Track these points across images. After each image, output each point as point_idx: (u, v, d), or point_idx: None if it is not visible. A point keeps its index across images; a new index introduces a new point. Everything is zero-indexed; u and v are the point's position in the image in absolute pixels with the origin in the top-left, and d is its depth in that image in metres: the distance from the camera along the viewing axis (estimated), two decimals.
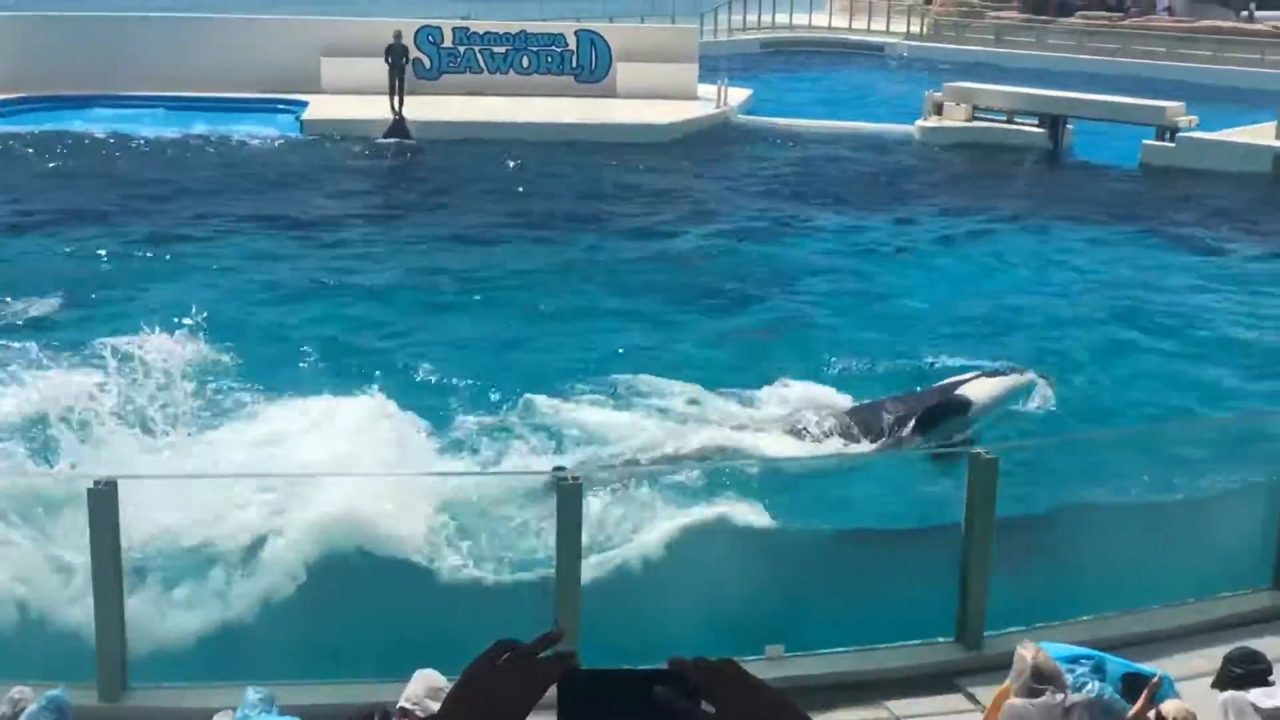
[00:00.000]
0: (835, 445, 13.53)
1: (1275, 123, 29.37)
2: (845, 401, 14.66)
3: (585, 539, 9.46)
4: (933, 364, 16.11)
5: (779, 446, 13.38)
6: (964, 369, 15.35)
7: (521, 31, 35.31)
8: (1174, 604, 10.23)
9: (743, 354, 16.86)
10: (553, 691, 2.08)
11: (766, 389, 15.10)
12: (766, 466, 12.84)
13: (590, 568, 9.75)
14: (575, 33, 35.32)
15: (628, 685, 2.09)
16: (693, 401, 14.76)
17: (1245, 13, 58.07)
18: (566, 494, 9.07)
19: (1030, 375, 15.17)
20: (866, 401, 14.69)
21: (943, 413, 14.29)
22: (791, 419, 14.14)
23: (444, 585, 10.48)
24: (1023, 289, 20.40)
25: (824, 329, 18.05)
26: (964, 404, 14.38)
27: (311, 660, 9.40)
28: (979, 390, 14.60)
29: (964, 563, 9.64)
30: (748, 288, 20.00)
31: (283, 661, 9.41)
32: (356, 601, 10.38)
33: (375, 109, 30.79)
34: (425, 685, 6.63)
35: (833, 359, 16.23)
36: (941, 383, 15.06)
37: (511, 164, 28.02)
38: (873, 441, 13.79)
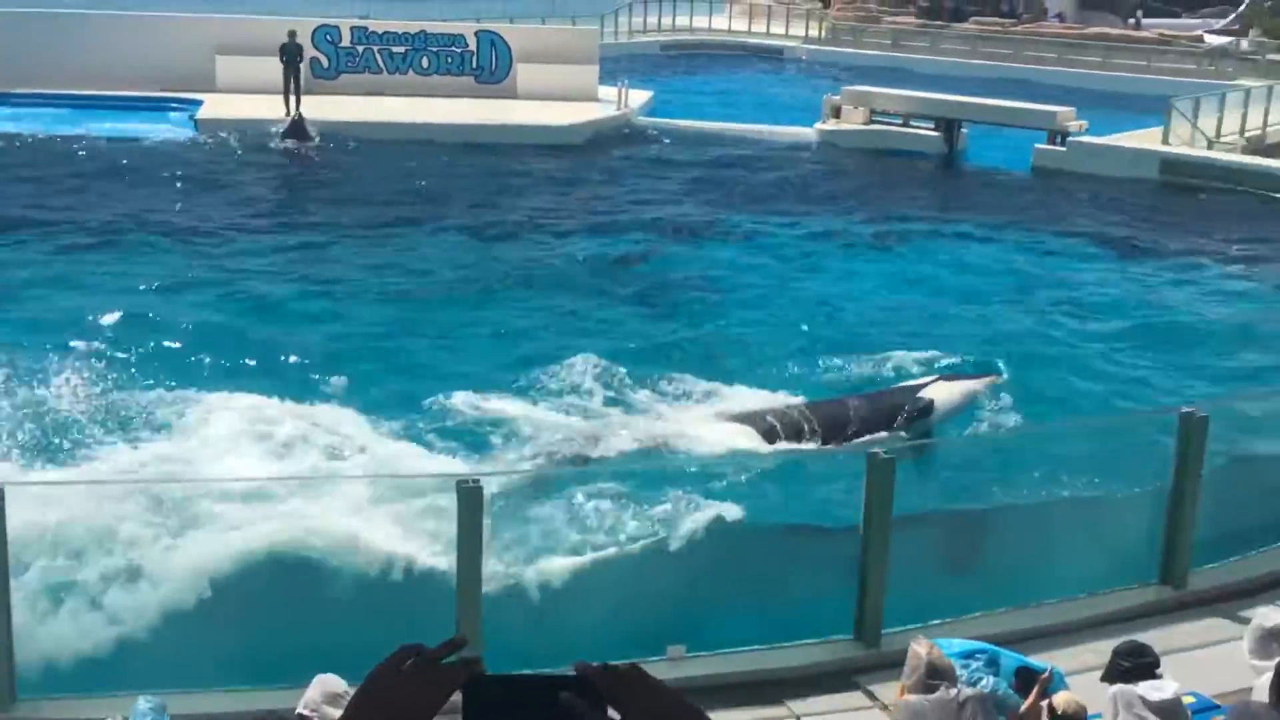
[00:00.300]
0: (788, 444, 13.60)
1: (1161, 128, 30.10)
2: (755, 401, 14.75)
3: (492, 543, 9.42)
4: (841, 365, 16.27)
5: (700, 445, 13.45)
6: (874, 366, 15.60)
7: (421, 31, 35.06)
8: (1065, 599, 10.42)
9: (647, 353, 16.84)
10: (457, 697, 2.06)
11: (677, 387, 15.13)
12: (673, 465, 12.87)
13: (493, 570, 9.70)
14: (475, 33, 35.17)
15: (533, 691, 2.08)
16: (609, 400, 14.76)
17: (1132, 20, 59.49)
18: (467, 497, 9.00)
19: (991, 378, 15.47)
20: (826, 399, 14.91)
21: (905, 415, 14.46)
22: (754, 414, 14.27)
23: (347, 590, 10.37)
24: (920, 288, 20.69)
25: (728, 328, 18.17)
26: (926, 407, 14.57)
27: (208, 668, 9.25)
28: (941, 393, 14.82)
29: (862, 561, 9.74)
30: (650, 287, 20.06)
31: (177, 670, 9.25)
32: (257, 608, 10.23)
33: (272, 109, 30.39)
34: (323, 690, 6.55)
35: (734, 358, 16.33)
36: (904, 384, 15.28)
37: (411, 165, 27.81)
38: (835, 439, 13.89)
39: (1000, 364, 16.12)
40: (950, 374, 15.50)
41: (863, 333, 17.90)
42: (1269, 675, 6.19)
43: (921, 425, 14.51)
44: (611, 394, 15.01)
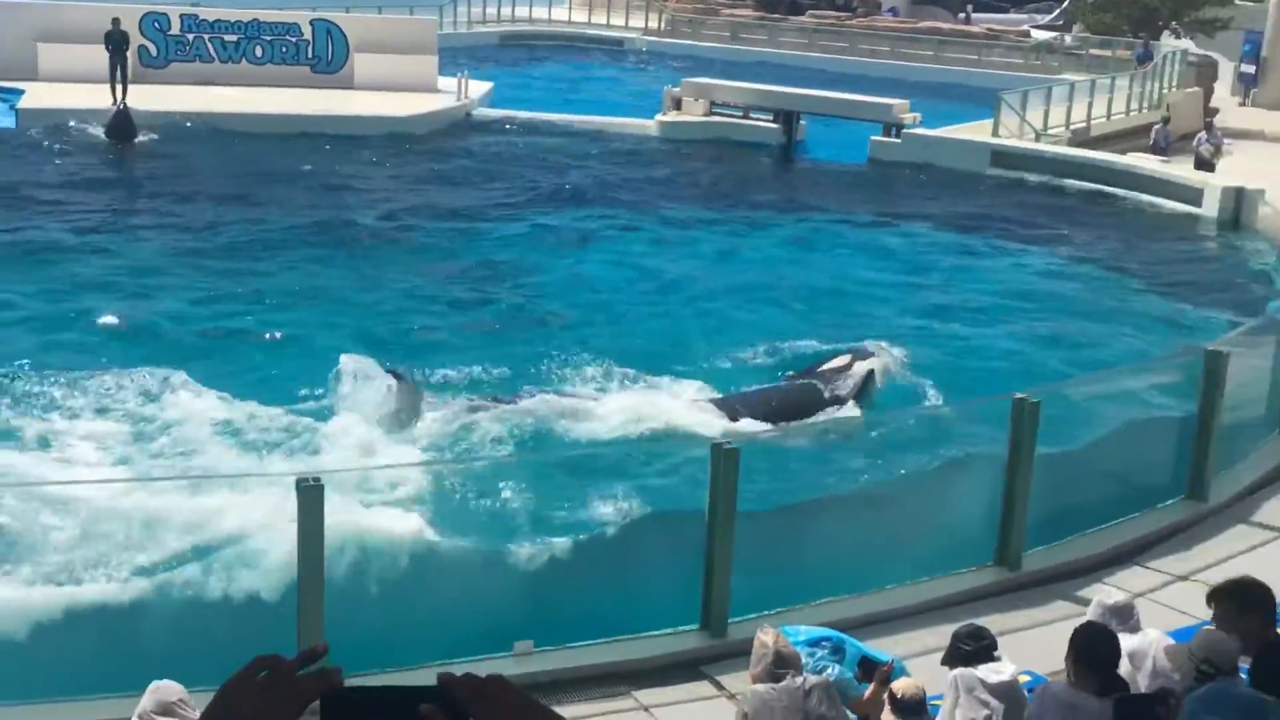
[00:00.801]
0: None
1: (992, 120, 30.90)
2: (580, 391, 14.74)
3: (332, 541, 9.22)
4: (684, 354, 16.33)
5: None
6: (725, 355, 15.75)
7: (254, 20, 34.29)
8: (906, 584, 10.62)
9: (484, 345, 16.69)
10: (316, 708, 2.00)
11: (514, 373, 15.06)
12: (524, 460, 12.78)
13: (336, 570, 9.51)
14: (311, 22, 34.51)
15: (392, 702, 2.03)
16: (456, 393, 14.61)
17: (962, 15, 60.97)
18: (307, 497, 8.81)
19: (892, 352, 16.13)
20: (753, 388, 15.29)
21: (849, 390, 15.08)
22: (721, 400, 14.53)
23: (186, 596, 10.05)
24: (761, 277, 20.88)
25: (566, 320, 18.13)
26: (868, 377, 15.32)
27: (40, 679, 8.91)
28: (860, 369, 15.42)
29: (708, 551, 9.79)
30: (490, 280, 19.91)
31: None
32: (93, 615, 9.86)
33: (98, 98, 29.41)
34: (156, 699, 6.33)
35: (576, 352, 16.29)
36: (819, 367, 15.77)
37: (243, 157, 27.18)
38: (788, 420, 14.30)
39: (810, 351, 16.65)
40: (856, 350, 16.06)
41: (705, 322, 18.01)
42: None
43: (866, 398, 15.17)
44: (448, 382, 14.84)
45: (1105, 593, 7.39)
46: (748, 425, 13.71)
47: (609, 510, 11.75)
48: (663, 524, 11.24)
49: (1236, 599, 5.64)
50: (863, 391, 15.17)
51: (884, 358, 15.75)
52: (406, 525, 10.51)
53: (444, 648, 9.38)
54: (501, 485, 11.79)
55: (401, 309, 18.31)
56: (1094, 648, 5.85)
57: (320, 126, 29.97)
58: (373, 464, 12.32)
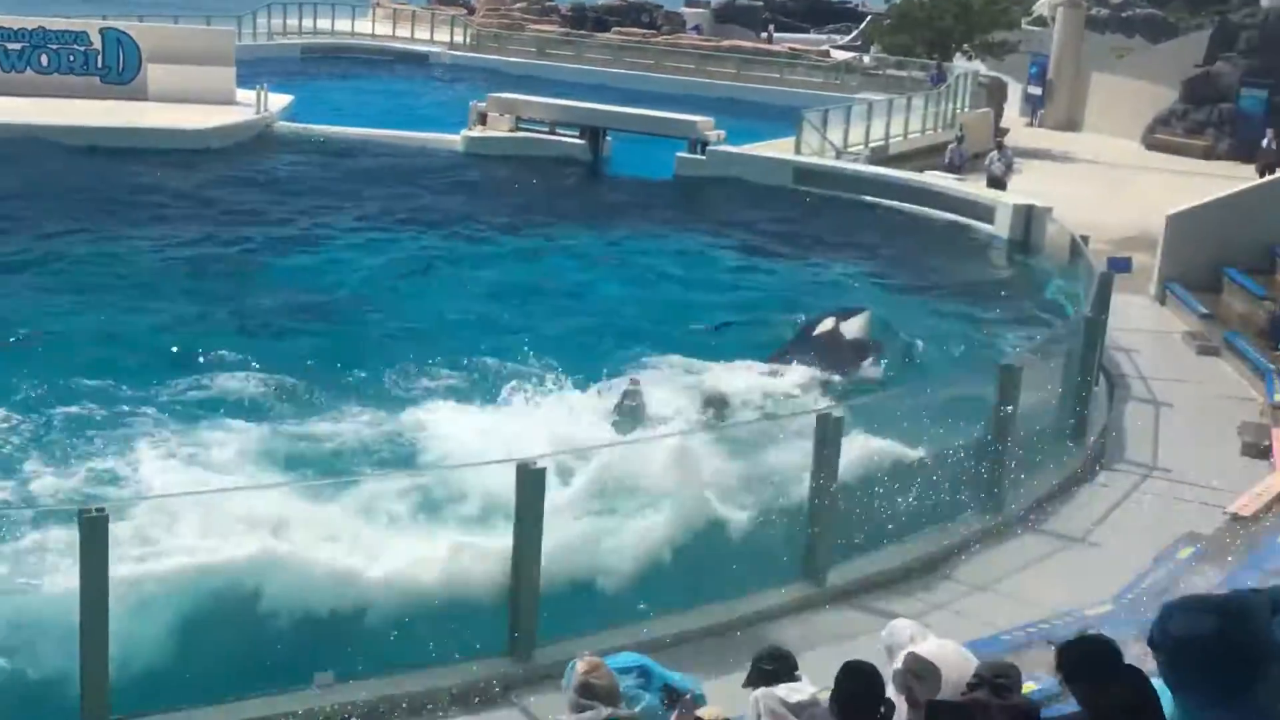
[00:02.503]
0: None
1: (794, 138, 31.43)
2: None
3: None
4: (486, 368, 16.11)
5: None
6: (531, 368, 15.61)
7: (40, 28, 32.98)
8: (712, 603, 10.60)
9: (276, 361, 16.20)
10: None
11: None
12: (317, 486, 12.36)
13: (118, 606, 9.03)
14: (100, 31, 33.31)
15: None
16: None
17: (765, 35, 62.14)
18: (91, 528, 8.36)
19: (867, 311, 17.79)
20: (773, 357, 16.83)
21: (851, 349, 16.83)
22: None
23: None
24: (569, 291, 20.82)
25: (371, 332, 17.77)
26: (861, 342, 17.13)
27: None
28: (855, 327, 17.25)
29: (514, 574, 9.61)
30: (291, 297, 19.41)
31: None
32: None
33: None
34: None
35: (378, 364, 16.00)
36: (812, 330, 17.33)
37: (26, 169, 25.98)
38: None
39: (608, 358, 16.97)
40: (841, 313, 17.66)
41: (510, 336, 17.82)
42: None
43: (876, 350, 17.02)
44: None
45: (888, 628, 7.40)
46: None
47: (417, 535, 11.44)
48: (471, 548, 10.99)
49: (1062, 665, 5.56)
50: (869, 345, 16.96)
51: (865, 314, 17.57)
52: (196, 557, 10.04)
53: (234, 683, 9.03)
54: (304, 512, 11.39)
55: (179, 328, 17.61)
56: (854, 696, 5.88)
57: (108, 139, 28.88)
58: (156, 494, 11.76)
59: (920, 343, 18.01)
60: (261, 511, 10.43)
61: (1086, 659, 5.42)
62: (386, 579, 9.96)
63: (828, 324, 17.42)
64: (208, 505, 10.52)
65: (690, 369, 16.54)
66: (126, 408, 14.21)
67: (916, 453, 12.52)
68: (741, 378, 16.11)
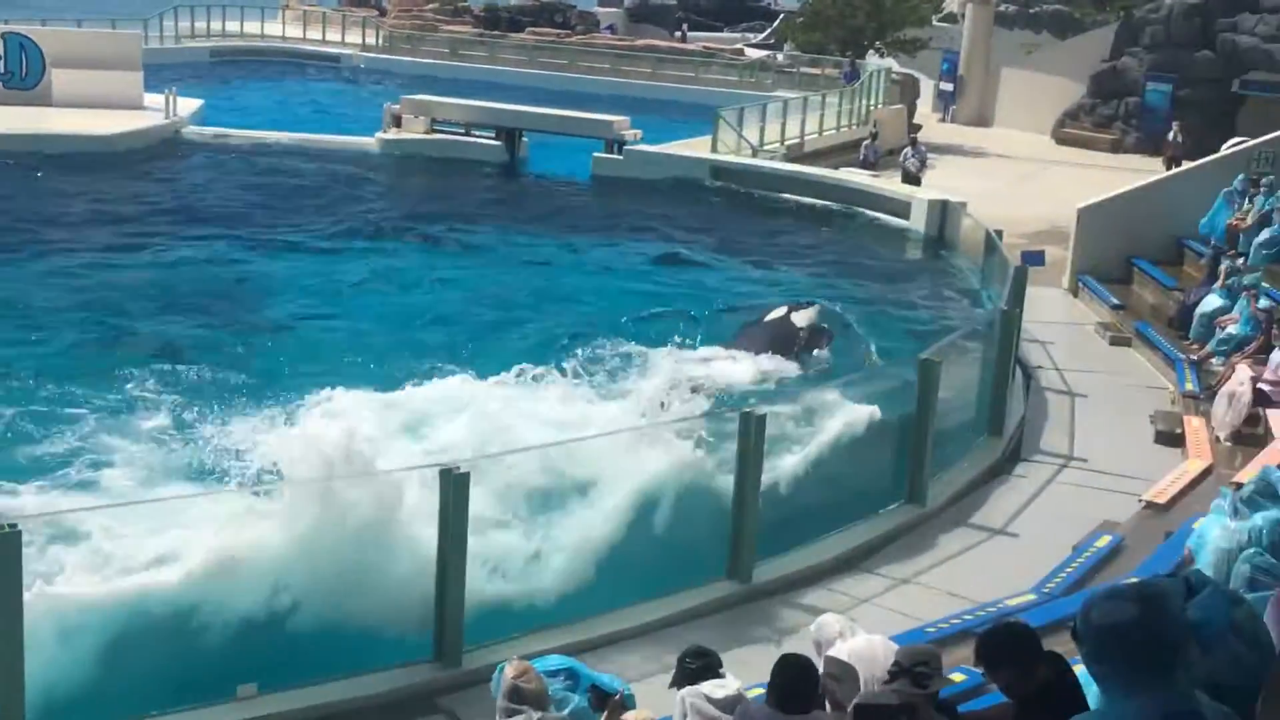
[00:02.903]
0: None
1: (711, 136, 31.53)
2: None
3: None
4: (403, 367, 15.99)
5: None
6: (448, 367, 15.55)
7: None
8: (639, 603, 10.58)
9: (182, 367, 15.96)
10: None
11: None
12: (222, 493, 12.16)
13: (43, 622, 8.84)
14: (2, 35, 32.59)
15: None
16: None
17: (679, 34, 62.29)
18: (3, 546, 8.16)
19: (818, 306, 18.23)
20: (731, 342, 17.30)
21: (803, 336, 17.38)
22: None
23: None
24: (485, 293, 20.69)
25: (295, 335, 17.56)
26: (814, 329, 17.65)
27: None
28: (807, 316, 17.73)
29: (439, 577, 9.52)
30: (207, 301, 19.14)
31: None
32: None
33: None
34: None
35: (298, 363, 15.85)
36: (764, 318, 17.83)
37: None
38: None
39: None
40: (792, 303, 18.21)
41: (430, 337, 17.72)
42: None
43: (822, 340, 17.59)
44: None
45: (816, 624, 7.47)
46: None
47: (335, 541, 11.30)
48: (394, 553, 10.88)
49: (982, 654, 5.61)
50: (817, 334, 17.57)
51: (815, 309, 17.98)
52: (109, 566, 9.84)
53: (156, 699, 8.87)
54: (222, 521, 11.21)
55: (83, 339, 17.28)
56: (791, 683, 5.93)
57: (11, 146, 28.30)
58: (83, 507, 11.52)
59: (863, 333, 18.66)
60: (185, 521, 10.27)
61: (1005, 646, 5.48)
62: (311, 587, 9.82)
63: (779, 312, 17.91)
64: (120, 518, 10.32)
65: (643, 355, 16.68)
66: (27, 422, 13.89)
67: (839, 447, 12.61)
68: (697, 366, 16.30)
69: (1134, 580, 7.35)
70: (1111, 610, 3.82)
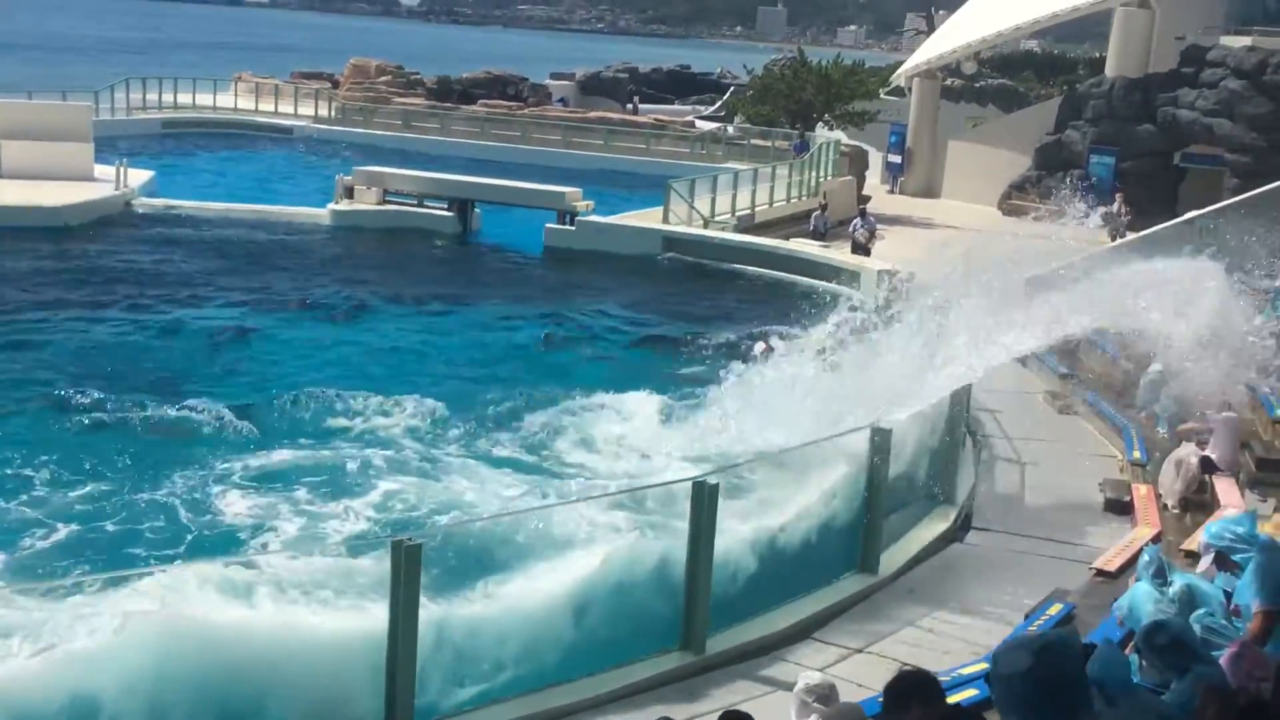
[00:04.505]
0: None
1: (662, 207, 31.76)
2: None
3: None
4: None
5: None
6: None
7: None
8: (594, 674, 10.50)
9: (132, 439, 15.85)
10: None
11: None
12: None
13: None
14: None
15: None
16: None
17: (630, 106, 62.89)
18: None
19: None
20: None
21: None
22: None
23: None
24: (438, 365, 20.66)
25: (246, 409, 17.42)
26: None
27: None
28: None
29: (390, 650, 9.41)
30: (162, 376, 19.00)
31: None
32: None
33: None
34: None
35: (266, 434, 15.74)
36: None
37: None
38: None
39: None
40: None
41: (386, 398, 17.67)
42: None
43: None
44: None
45: (804, 676, 7.54)
46: None
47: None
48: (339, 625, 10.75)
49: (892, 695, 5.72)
50: None
51: None
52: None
53: None
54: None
55: (30, 415, 17.14)
56: None
57: None
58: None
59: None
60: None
61: (913, 686, 5.60)
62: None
63: None
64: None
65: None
66: None
67: (792, 516, 12.62)
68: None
69: (1033, 631, 7.45)
70: (1010, 660, 4.04)
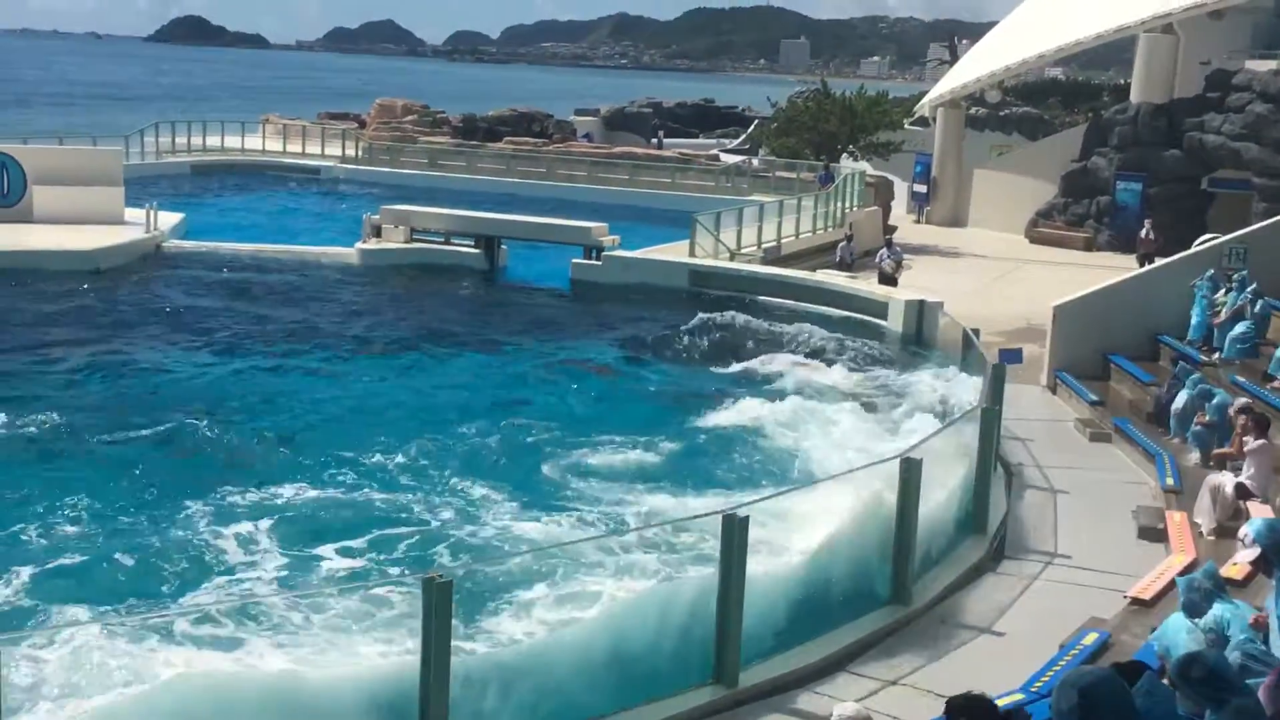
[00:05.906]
0: None
1: (688, 240, 31.82)
2: None
3: None
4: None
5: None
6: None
7: None
8: (628, 708, 10.45)
9: (172, 479, 15.92)
10: None
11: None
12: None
13: None
14: None
15: None
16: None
17: (655, 140, 63.14)
18: None
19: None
20: None
21: None
22: None
23: None
24: (467, 403, 20.69)
25: (279, 450, 17.48)
26: None
27: None
28: None
29: (422, 693, 9.40)
30: (189, 416, 19.05)
31: None
32: None
33: None
34: None
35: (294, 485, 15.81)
36: None
37: None
38: None
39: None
40: None
41: (419, 445, 17.69)
42: None
43: None
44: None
45: (840, 708, 7.47)
46: None
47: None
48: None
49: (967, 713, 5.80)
50: None
51: None
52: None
53: None
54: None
55: (62, 456, 17.23)
56: None
57: None
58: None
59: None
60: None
61: (969, 709, 5.72)
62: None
63: None
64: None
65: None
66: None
67: (822, 547, 12.55)
68: None
69: (1083, 667, 7.42)
70: (1059, 698, 4.14)
